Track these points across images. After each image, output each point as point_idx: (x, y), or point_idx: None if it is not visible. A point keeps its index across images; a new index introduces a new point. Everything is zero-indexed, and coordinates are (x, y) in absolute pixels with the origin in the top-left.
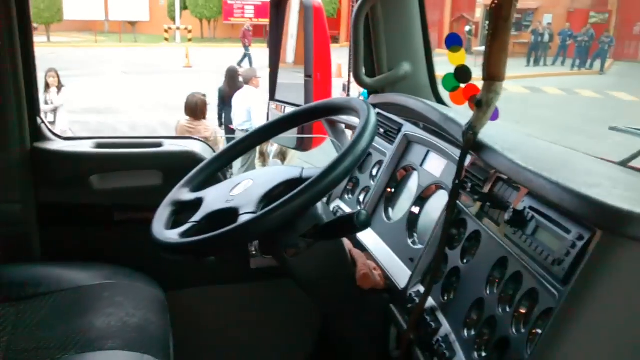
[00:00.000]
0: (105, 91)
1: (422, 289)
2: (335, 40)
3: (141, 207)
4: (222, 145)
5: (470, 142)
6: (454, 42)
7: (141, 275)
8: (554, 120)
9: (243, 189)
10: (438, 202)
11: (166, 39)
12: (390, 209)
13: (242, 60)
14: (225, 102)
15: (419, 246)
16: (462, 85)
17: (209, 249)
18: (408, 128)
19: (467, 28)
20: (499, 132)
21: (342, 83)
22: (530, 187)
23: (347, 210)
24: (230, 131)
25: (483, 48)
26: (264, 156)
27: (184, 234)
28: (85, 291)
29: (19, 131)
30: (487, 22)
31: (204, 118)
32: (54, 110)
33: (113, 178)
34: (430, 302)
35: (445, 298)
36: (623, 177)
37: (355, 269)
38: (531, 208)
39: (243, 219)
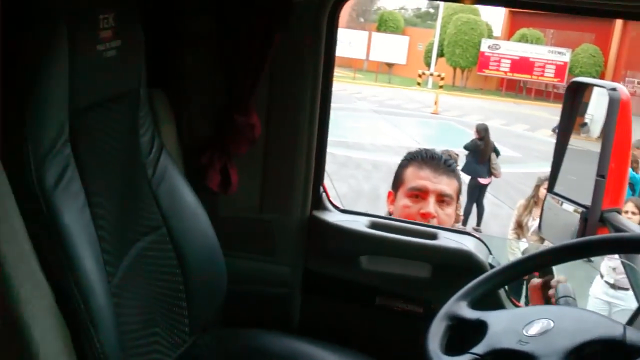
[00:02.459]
0: (355, 127)
1: None
2: None
3: (405, 297)
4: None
5: None
6: None
7: None
8: None
9: (541, 331)
10: None
11: (418, 84)
12: None
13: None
14: (476, 158)
15: None
16: None
17: None
18: None
19: None
20: None
21: None
22: None
23: None
24: (476, 185)
25: None
26: (521, 229)
27: None
28: None
29: (303, 198)
30: None
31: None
32: None
33: (381, 261)
34: None
35: None
36: None
37: None
38: None
39: None
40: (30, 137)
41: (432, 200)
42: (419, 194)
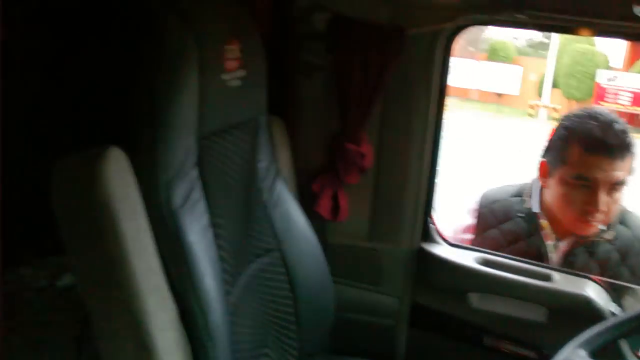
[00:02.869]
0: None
1: None
2: None
3: (516, 339)
4: None
5: None
6: None
7: None
8: None
9: None
10: None
11: (530, 115)
12: None
13: None
14: None
15: None
16: None
17: None
18: None
19: None
20: None
21: None
22: None
23: None
24: None
25: None
26: None
27: None
28: None
29: (412, 229)
30: None
31: None
32: None
33: (492, 300)
34: None
35: None
36: None
37: None
38: None
39: None
40: (161, 160)
41: (603, 193)
42: (587, 184)
